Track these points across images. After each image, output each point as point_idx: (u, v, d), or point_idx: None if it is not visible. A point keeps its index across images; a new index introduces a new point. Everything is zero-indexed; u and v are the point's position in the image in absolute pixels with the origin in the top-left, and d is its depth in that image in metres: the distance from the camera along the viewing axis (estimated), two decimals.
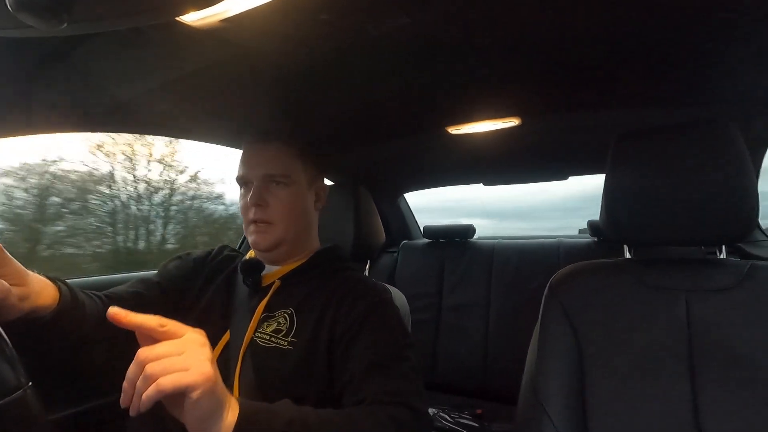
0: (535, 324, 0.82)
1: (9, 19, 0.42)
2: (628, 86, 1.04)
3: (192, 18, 0.64)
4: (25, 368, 0.39)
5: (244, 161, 0.84)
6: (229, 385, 0.72)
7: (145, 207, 2.49)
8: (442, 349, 1.86)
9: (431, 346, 1.88)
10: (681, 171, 0.72)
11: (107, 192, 2.31)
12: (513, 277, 1.84)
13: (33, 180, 2.00)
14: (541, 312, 0.80)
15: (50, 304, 0.60)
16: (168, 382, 0.42)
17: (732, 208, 0.69)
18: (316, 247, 0.91)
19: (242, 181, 0.84)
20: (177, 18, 0.62)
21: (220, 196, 2.81)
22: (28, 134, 0.93)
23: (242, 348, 0.75)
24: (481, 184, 2.11)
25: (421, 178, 2.17)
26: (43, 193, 2.05)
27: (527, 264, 1.84)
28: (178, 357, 0.44)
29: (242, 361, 0.74)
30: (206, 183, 2.75)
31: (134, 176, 2.41)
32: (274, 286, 0.81)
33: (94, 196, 2.24)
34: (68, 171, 2.13)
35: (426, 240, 2.16)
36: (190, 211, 2.74)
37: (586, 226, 1.92)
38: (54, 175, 2.07)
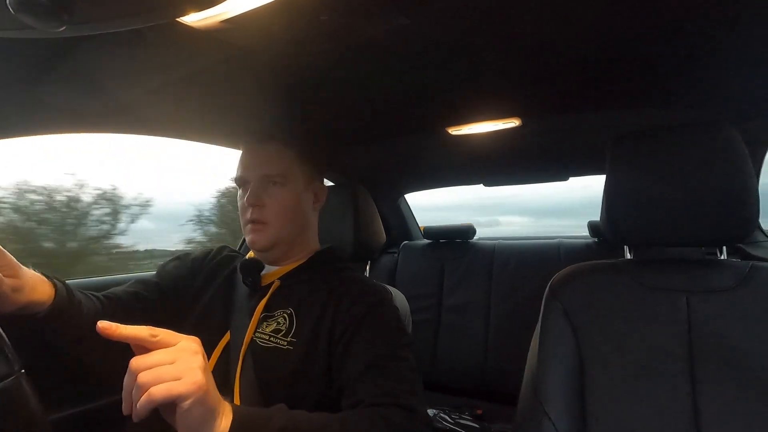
0: (535, 325, 0.82)
1: (10, 21, 0.42)
2: (628, 87, 1.04)
3: (192, 19, 0.64)
4: (20, 357, 0.39)
5: (243, 162, 0.84)
6: (229, 386, 0.73)
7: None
8: (443, 350, 1.86)
9: (431, 346, 1.87)
10: (681, 172, 0.72)
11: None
12: (513, 278, 1.84)
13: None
14: (541, 313, 0.80)
15: (45, 300, 0.60)
16: (159, 391, 0.42)
17: (732, 209, 0.69)
18: (316, 247, 0.91)
19: (240, 181, 0.84)
20: (177, 19, 0.63)
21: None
22: (29, 135, 0.93)
23: (242, 348, 0.75)
24: (482, 185, 2.11)
25: (421, 179, 2.17)
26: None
27: (527, 265, 1.84)
28: (169, 366, 0.44)
29: (243, 361, 0.74)
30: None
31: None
32: (273, 286, 0.81)
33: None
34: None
35: (426, 241, 2.16)
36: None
37: None
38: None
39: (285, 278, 0.83)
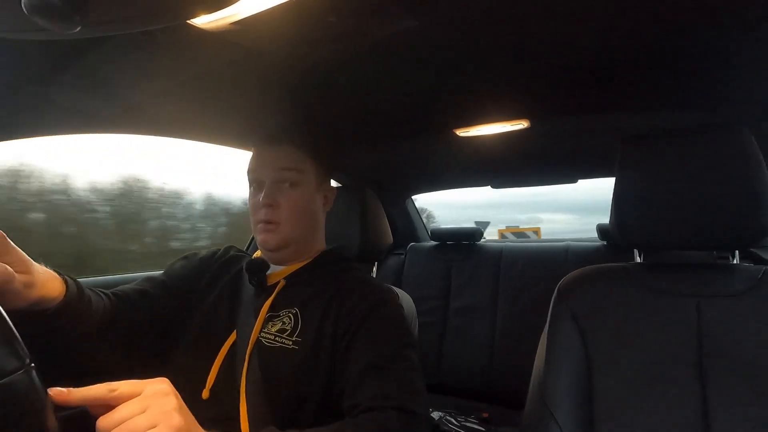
0: (542, 328, 0.81)
1: (24, 23, 0.43)
2: (637, 89, 1.03)
3: (202, 21, 0.65)
4: (29, 349, 0.39)
5: (256, 162, 0.85)
6: (235, 385, 0.73)
7: None
8: (449, 352, 1.85)
9: (437, 348, 1.87)
10: (693, 174, 0.71)
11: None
12: (520, 281, 1.82)
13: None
14: (549, 316, 0.80)
15: (56, 296, 0.60)
16: None
17: (745, 212, 0.68)
18: (322, 247, 0.91)
19: (254, 181, 0.85)
20: (188, 21, 0.63)
21: None
22: (41, 136, 0.94)
23: (248, 348, 0.75)
24: (490, 187, 2.10)
25: (428, 180, 2.17)
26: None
27: (535, 267, 1.83)
28: (141, 416, 0.41)
29: (248, 360, 0.74)
30: None
31: None
32: (278, 286, 0.82)
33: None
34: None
35: (433, 242, 2.16)
36: None
37: None
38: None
39: (290, 278, 0.84)
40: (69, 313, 0.62)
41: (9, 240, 0.53)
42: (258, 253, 0.90)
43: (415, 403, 0.65)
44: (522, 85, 1.01)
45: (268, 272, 0.84)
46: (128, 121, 1.06)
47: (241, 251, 0.98)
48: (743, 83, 0.97)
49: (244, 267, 0.87)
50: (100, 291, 0.74)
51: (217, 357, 0.76)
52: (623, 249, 0.87)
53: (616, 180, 0.79)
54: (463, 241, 2.07)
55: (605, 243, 1.79)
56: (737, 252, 0.84)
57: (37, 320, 0.59)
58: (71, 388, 0.41)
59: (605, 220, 1.54)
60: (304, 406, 0.71)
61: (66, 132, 0.98)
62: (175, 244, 2.41)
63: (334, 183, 0.98)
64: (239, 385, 0.73)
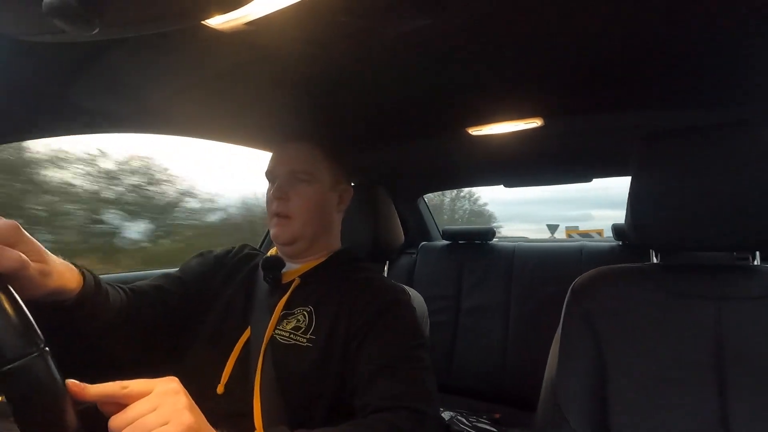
0: (555, 328, 0.80)
1: (43, 25, 0.44)
2: (653, 87, 1.01)
3: (217, 21, 0.65)
4: (44, 334, 0.40)
5: (273, 158, 0.89)
6: (249, 382, 0.74)
7: None
8: (460, 352, 1.84)
9: (449, 348, 1.86)
10: (712, 173, 0.69)
11: None
12: (533, 281, 1.80)
13: None
14: (562, 316, 0.79)
15: (74, 287, 0.60)
16: None
17: (766, 212, 0.66)
18: (336, 247, 0.92)
19: (269, 176, 0.88)
20: (202, 22, 0.64)
21: None
22: (61, 135, 0.97)
23: (263, 345, 0.76)
24: (502, 186, 2.08)
25: (440, 179, 2.16)
26: None
27: (548, 267, 1.80)
28: (152, 414, 0.41)
29: (263, 357, 0.75)
30: None
31: None
32: (293, 284, 0.83)
33: None
34: None
35: (445, 242, 2.15)
36: None
37: None
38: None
39: (305, 276, 0.84)
40: (87, 305, 0.62)
41: (23, 230, 0.52)
42: (273, 251, 0.91)
43: (426, 404, 0.65)
44: (535, 84, 1.00)
45: (283, 270, 0.85)
46: (145, 122, 1.08)
47: (255, 249, 0.99)
48: (763, 80, 0.94)
49: (259, 264, 0.88)
50: (118, 286, 0.75)
51: (232, 353, 0.77)
52: (639, 249, 0.85)
53: (632, 179, 0.77)
54: (475, 241, 2.05)
55: (620, 243, 1.76)
56: (758, 253, 0.82)
57: (55, 312, 0.59)
58: (86, 384, 0.42)
59: None
60: (317, 404, 0.72)
61: (85, 132, 1.01)
62: None
63: None
64: (253, 382, 0.73)
